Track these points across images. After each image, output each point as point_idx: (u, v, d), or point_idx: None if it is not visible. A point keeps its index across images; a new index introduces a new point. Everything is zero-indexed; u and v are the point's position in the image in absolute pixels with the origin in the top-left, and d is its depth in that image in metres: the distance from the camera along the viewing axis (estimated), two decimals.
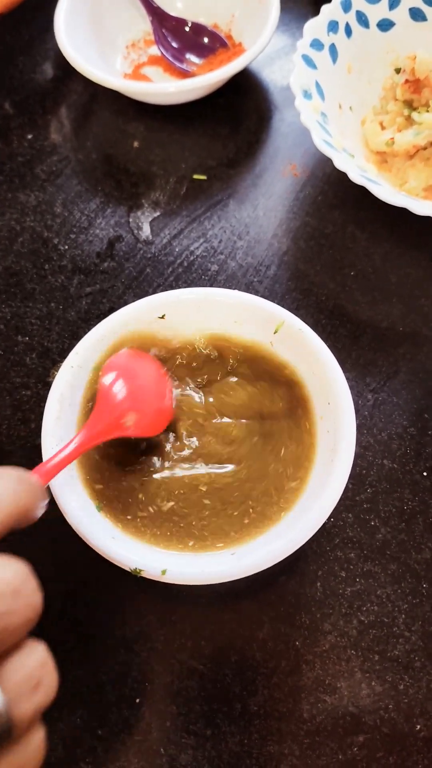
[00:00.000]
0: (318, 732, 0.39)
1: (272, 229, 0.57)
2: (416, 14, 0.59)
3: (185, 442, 0.43)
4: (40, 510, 0.30)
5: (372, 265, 0.54)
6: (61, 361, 0.44)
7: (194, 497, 0.42)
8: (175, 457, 0.43)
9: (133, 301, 0.46)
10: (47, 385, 0.50)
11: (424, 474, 0.46)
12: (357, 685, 0.40)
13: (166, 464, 0.43)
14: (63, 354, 0.51)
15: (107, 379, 0.41)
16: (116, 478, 0.42)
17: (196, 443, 0.43)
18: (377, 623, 0.41)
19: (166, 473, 0.42)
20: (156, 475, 0.42)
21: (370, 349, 0.51)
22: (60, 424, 0.41)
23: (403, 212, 0.48)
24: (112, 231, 0.58)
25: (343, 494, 0.38)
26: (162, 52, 0.66)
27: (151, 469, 0.43)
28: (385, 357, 0.50)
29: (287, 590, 0.42)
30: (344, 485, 0.38)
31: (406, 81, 0.56)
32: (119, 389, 0.41)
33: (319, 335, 0.43)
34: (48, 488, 0.38)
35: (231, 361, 0.46)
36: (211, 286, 0.54)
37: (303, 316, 0.45)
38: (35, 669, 0.25)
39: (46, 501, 0.31)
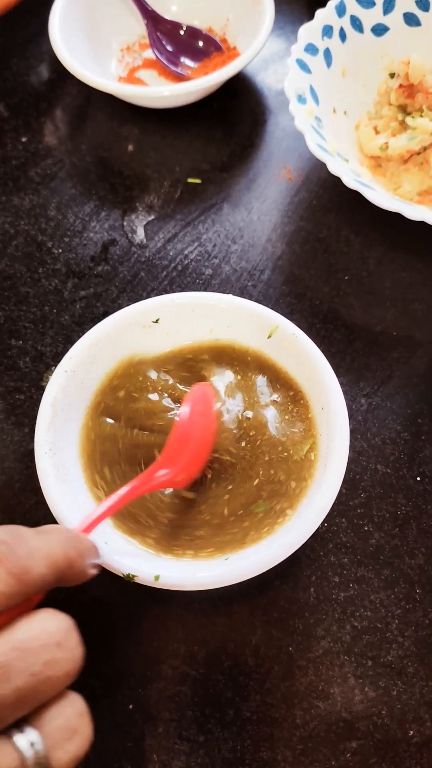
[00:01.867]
0: (311, 738, 0.39)
1: (266, 233, 0.57)
2: (410, 19, 0.59)
3: None
4: (90, 568, 0.30)
5: (366, 270, 0.54)
6: (55, 365, 0.44)
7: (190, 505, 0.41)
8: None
9: (128, 304, 0.46)
10: (41, 389, 0.50)
11: (418, 479, 0.46)
12: (350, 690, 0.40)
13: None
14: (57, 358, 0.51)
15: (190, 425, 0.40)
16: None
17: None
18: (370, 629, 0.41)
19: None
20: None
21: (364, 353, 0.51)
22: (53, 429, 0.41)
23: (397, 217, 0.48)
24: (107, 234, 0.57)
25: (336, 499, 0.38)
26: (157, 56, 0.66)
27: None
28: (379, 361, 0.50)
29: (280, 595, 0.42)
30: (338, 490, 0.38)
31: (400, 86, 0.56)
32: (196, 441, 0.40)
33: (313, 340, 0.43)
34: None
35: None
36: (205, 290, 0.54)
37: (297, 321, 0.45)
38: (73, 718, 0.26)
39: (98, 559, 0.31)
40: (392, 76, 0.58)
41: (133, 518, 0.41)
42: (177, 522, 0.41)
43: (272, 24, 0.60)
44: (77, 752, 0.26)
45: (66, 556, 0.29)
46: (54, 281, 0.55)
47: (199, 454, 0.40)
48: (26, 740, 0.25)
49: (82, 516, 0.39)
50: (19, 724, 0.25)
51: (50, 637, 0.26)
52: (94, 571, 0.31)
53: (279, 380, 0.44)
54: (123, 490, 0.36)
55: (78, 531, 0.33)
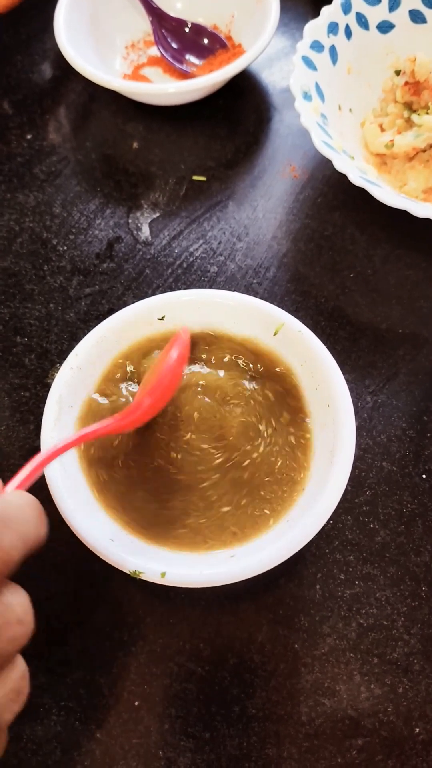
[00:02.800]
0: (317, 735, 0.39)
1: (272, 230, 0.57)
2: (416, 16, 0.59)
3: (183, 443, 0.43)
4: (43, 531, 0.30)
5: (371, 267, 0.54)
6: (60, 363, 0.44)
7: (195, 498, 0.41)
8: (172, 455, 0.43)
9: (133, 302, 0.46)
10: (46, 386, 0.50)
11: (424, 476, 0.46)
12: (356, 688, 0.40)
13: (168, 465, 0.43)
14: (62, 355, 0.51)
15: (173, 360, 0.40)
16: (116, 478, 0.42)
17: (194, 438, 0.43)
18: (376, 626, 0.41)
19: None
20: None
21: (370, 351, 0.51)
22: (59, 425, 0.41)
23: (403, 214, 0.48)
24: (112, 232, 0.57)
25: (342, 497, 0.38)
26: (162, 53, 0.66)
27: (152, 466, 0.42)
28: (385, 359, 0.50)
29: (286, 593, 0.42)
30: (343, 488, 0.38)
31: (406, 83, 0.56)
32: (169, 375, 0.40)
33: (319, 337, 0.43)
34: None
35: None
36: (210, 287, 0.54)
37: (302, 318, 0.45)
38: (18, 681, 0.28)
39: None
40: (398, 73, 0.58)
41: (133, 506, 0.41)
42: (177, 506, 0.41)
43: (277, 21, 0.59)
44: (19, 710, 0.28)
45: (37, 534, 0.29)
46: (59, 278, 0.55)
47: (164, 397, 0.41)
48: None
49: (87, 516, 0.39)
50: None
51: (13, 615, 0.27)
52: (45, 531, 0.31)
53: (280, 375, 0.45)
54: (74, 435, 0.36)
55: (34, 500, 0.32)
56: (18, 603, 0.28)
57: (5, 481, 0.32)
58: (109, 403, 0.44)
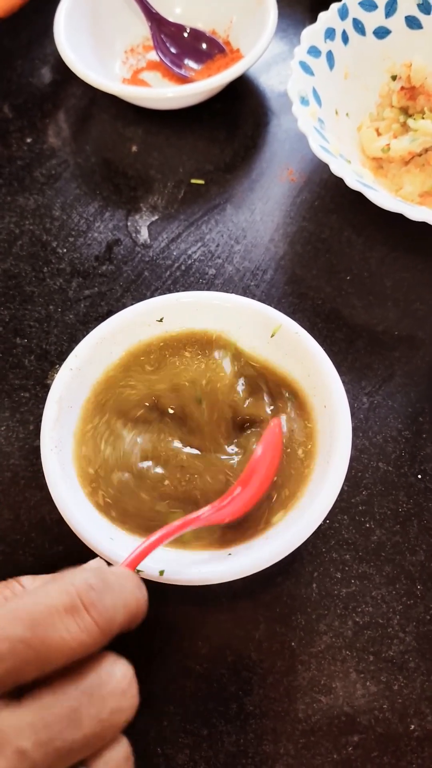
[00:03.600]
0: (313, 732, 0.39)
1: (269, 233, 0.57)
2: (412, 22, 0.59)
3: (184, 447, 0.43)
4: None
5: (368, 270, 0.55)
6: (60, 364, 0.44)
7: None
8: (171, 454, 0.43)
9: (132, 304, 0.46)
10: (45, 387, 0.50)
11: (419, 476, 0.46)
12: (352, 685, 0.40)
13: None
14: (61, 356, 0.51)
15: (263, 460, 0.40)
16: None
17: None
18: (372, 624, 0.42)
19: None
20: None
21: (366, 352, 0.51)
22: (58, 426, 0.42)
23: (399, 217, 0.49)
24: (111, 234, 0.58)
25: (338, 496, 0.39)
26: (160, 58, 0.67)
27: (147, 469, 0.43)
28: (381, 360, 0.51)
29: (283, 591, 0.43)
30: (340, 487, 0.39)
31: (402, 88, 0.56)
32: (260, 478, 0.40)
33: (316, 339, 0.44)
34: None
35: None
36: (208, 289, 0.55)
37: (299, 320, 0.46)
38: (121, 762, 0.27)
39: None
40: (394, 78, 0.59)
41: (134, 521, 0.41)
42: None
43: (275, 26, 0.60)
44: None
45: (138, 606, 0.29)
46: (59, 280, 0.55)
47: (260, 491, 0.40)
48: None
49: (86, 515, 0.39)
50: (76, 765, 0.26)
51: (117, 685, 0.26)
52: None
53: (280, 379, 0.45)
54: (177, 523, 0.36)
55: (130, 569, 0.32)
56: (122, 674, 0.27)
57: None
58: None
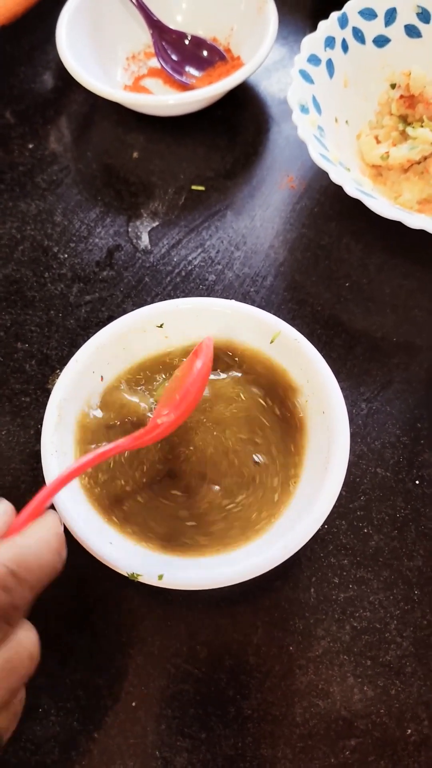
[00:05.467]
0: (311, 736, 0.39)
1: (269, 240, 0.58)
2: (411, 31, 0.60)
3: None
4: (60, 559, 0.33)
5: (366, 277, 0.55)
6: (61, 368, 0.45)
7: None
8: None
9: (132, 309, 0.47)
10: (46, 392, 0.50)
11: (417, 482, 0.47)
12: (349, 689, 0.40)
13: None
14: (62, 361, 0.51)
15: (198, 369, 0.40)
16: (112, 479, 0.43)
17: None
18: (370, 629, 0.42)
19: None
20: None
21: (365, 359, 0.51)
22: (59, 430, 0.42)
23: (398, 225, 0.49)
24: (112, 240, 0.58)
25: (336, 502, 0.39)
26: (162, 65, 0.67)
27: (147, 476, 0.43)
28: (379, 367, 0.51)
29: (281, 596, 0.43)
30: (338, 493, 0.39)
31: (401, 96, 0.57)
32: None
33: (315, 345, 0.44)
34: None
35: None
36: (208, 295, 0.55)
37: (298, 327, 0.46)
38: (17, 705, 0.31)
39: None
40: (393, 86, 0.59)
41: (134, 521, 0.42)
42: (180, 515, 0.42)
43: (276, 34, 0.61)
44: (15, 730, 0.32)
45: (55, 572, 0.32)
46: (60, 286, 0.56)
47: (193, 404, 0.40)
48: None
49: (85, 519, 0.40)
50: None
51: (26, 651, 0.30)
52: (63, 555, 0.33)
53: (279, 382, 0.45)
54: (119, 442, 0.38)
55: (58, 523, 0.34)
56: (28, 639, 0.30)
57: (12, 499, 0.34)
58: (110, 415, 0.44)
